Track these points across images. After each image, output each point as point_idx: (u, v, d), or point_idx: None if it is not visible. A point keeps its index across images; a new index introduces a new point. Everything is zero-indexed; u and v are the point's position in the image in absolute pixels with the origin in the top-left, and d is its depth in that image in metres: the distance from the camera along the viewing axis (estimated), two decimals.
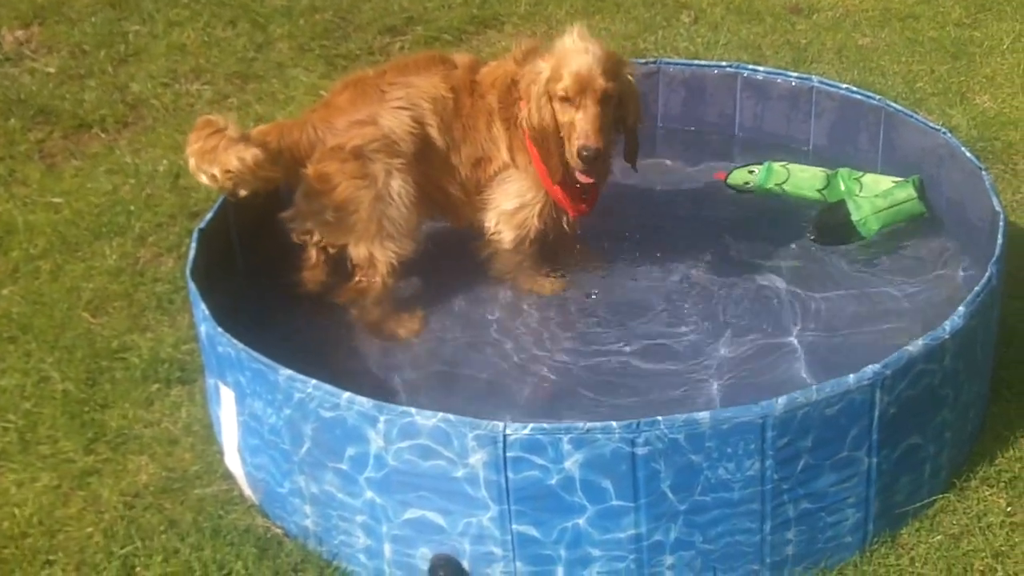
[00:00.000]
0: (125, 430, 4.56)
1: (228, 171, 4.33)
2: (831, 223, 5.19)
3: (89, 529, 4.16)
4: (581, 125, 4.49)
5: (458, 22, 7.58)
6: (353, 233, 4.61)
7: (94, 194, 5.99)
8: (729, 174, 5.56)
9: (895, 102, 5.47)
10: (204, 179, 4.38)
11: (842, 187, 5.32)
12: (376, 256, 4.62)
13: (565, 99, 4.52)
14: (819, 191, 5.36)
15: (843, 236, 5.16)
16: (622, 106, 4.64)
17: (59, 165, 6.33)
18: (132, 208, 5.84)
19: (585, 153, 4.48)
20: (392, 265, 4.64)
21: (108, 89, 6.95)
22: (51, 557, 4.07)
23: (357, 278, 4.69)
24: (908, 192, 5.10)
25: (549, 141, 4.59)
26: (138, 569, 4.01)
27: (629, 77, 4.64)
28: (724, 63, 5.80)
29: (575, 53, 4.52)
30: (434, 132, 4.67)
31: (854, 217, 5.10)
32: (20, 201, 5.97)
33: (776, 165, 5.46)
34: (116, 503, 4.25)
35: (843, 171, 5.38)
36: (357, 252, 4.64)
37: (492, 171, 4.78)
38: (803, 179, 5.41)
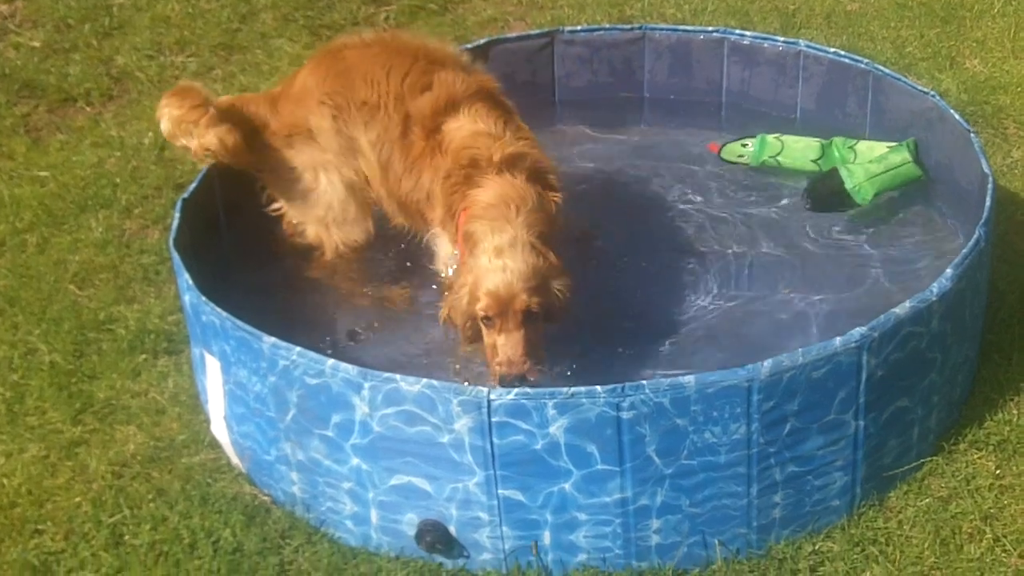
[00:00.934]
0: (112, 401, 4.55)
1: (207, 149, 4.50)
2: (824, 191, 5.17)
3: (77, 499, 4.15)
4: (504, 351, 4.05)
5: None
6: (300, 215, 4.75)
7: (80, 167, 5.97)
8: (722, 148, 5.53)
9: (884, 67, 5.44)
10: (176, 143, 4.53)
11: (836, 156, 5.30)
12: (323, 238, 4.71)
13: (486, 319, 4.07)
14: (814, 161, 5.34)
15: (837, 204, 5.14)
16: (551, 317, 4.17)
17: (44, 139, 6.30)
18: (118, 181, 5.82)
19: (507, 380, 3.99)
20: (339, 248, 4.72)
21: (93, 62, 6.91)
22: (39, 527, 4.07)
23: (316, 253, 4.80)
24: (903, 156, 5.07)
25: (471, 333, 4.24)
26: (127, 537, 4.01)
27: (558, 291, 4.14)
28: (711, 28, 5.77)
29: (491, 272, 4.04)
30: (363, 143, 4.60)
31: (848, 185, 5.07)
32: (6, 175, 5.95)
33: (770, 137, 5.43)
34: (104, 473, 4.24)
35: (837, 139, 5.35)
36: (307, 233, 4.76)
37: (431, 218, 4.52)
38: (797, 150, 5.39)
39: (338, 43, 4.79)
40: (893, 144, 5.18)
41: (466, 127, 4.39)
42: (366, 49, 4.66)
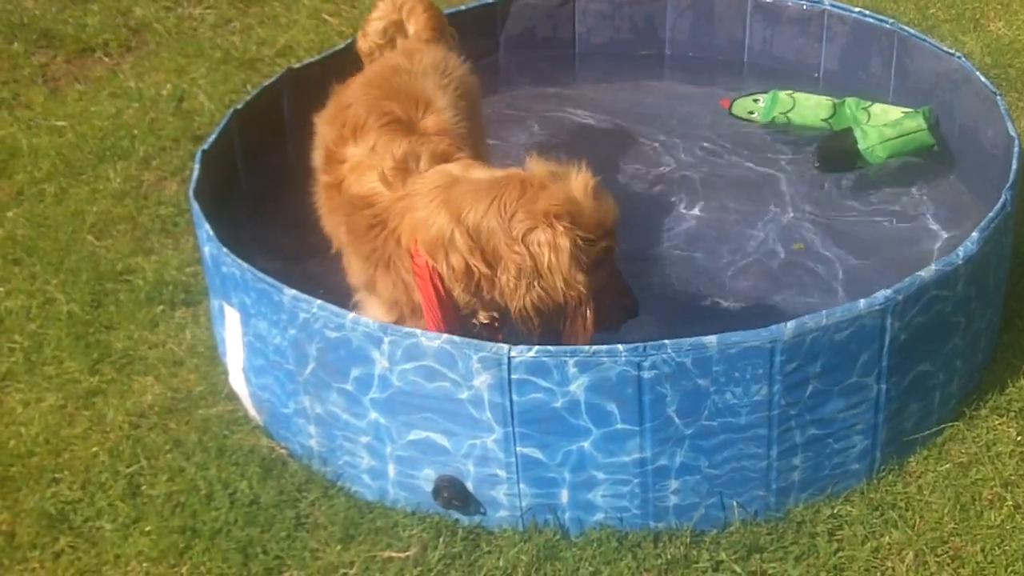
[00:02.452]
0: (130, 351, 4.55)
1: None
2: (837, 150, 5.14)
3: (95, 448, 4.15)
4: (621, 282, 3.79)
5: None
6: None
7: (98, 118, 5.95)
8: (733, 103, 5.49)
9: (908, 27, 5.38)
10: None
11: (849, 116, 5.26)
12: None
13: (604, 260, 3.69)
14: (825, 120, 5.31)
15: (848, 164, 5.11)
16: None
17: (62, 89, 6.29)
18: (136, 132, 5.81)
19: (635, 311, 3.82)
20: None
21: (111, 13, 6.89)
22: (57, 475, 4.07)
23: None
24: (918, 122, 5.03)
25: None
26: (144, 488, 4.01)
27: None
28: None
29: (587, 206, 3.61)
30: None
31: (861, 146, 5.04)
32: (24, 125, 5.94)
33: (782, 94, 5.40)
34: (121, 423, 4.24)
35: (850, 100, 5.32)
36: None
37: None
38: (808, 108, 5.36)
39: (394, 61, 4.39)
40: (909, 110, 5.14)
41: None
42: (385, 79, 4.25)
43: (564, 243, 3.53)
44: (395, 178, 3.77)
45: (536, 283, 3.59)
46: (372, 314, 3.91)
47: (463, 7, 5.70)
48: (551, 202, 3.54)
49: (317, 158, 4.14)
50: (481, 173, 3.70)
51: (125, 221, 5.22)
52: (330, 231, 4.10)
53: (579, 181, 3.60)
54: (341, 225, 3.94)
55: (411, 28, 4.55)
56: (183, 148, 5.66)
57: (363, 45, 4.67)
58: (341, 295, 4.23)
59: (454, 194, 3.62)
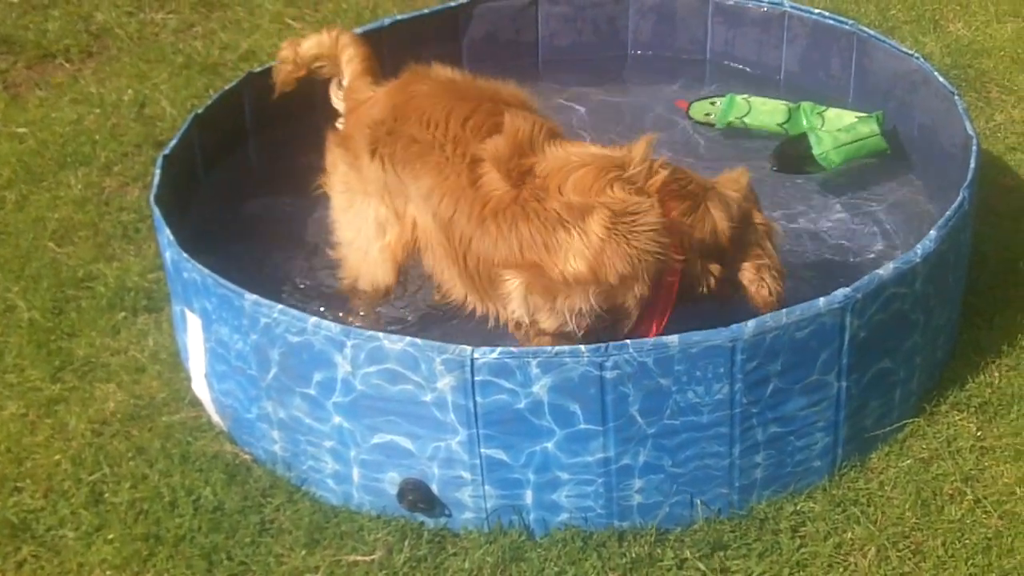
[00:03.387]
0: (92, 358, 4.53)
1: None
2: (791, 155, 5.19)
3: (57, 456, 4.13)
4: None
5: None
6: (339, 233, 4.48)
7: (59, 124, 5.92)
8: (691, 105, 5.52)
9: (868, 28, 5.42)
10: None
11: (804, 121, 5.30)
12: (344, 263, 4.43)
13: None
14: (780, 125, 5.34)
15: (802, 168, 5.16)
16: None
17: (23, 95, 6.25)
18: (97, 138, 5.77)
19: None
20: (355, 283, 4.40)
21: (72, 19, 6.85)
22: (19, 484, 4.05)
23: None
24: (872, 127, 5.09)
25: None
26: (107, 495, 3.99)
27: None
28: None
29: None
30: (411, 191, 4.12)
31: (815, 151, 5.08)
32: None
33: (739, 98, 5.43)
34: (84, 431, 4.22)
35: (805, 104, 5.35)
36: (336, 249, 4.48)
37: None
38: (764, 112, 5.39)
39: (422, 74, 4.31)
40: (862, 114, 5.19)
41: (573, 151, 3.95)
42: (437, 86, 4.22)
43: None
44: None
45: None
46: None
47: (426, 11, 5.70)
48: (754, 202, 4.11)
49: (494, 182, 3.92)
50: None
51: (86, 227, 5.19)
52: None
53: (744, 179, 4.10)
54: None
55: (347, 74, 4.50)
56: (145, 154, 5.63)
57: (287, 55, 4.58)
58: (304, 297, 4.25)
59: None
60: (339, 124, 4.43)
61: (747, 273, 4.04)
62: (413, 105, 4.12)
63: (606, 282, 3.77)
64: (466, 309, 4.13)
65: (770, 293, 4.03)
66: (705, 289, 3.99)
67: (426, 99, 4.13)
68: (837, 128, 5.14)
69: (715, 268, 3.97)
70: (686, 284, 3.93)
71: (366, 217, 4.24)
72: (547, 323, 3.90)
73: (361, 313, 4.42)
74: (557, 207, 3.78)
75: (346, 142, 4.30)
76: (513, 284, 3.86)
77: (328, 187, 4.38)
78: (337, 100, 4.51)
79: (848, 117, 5.21)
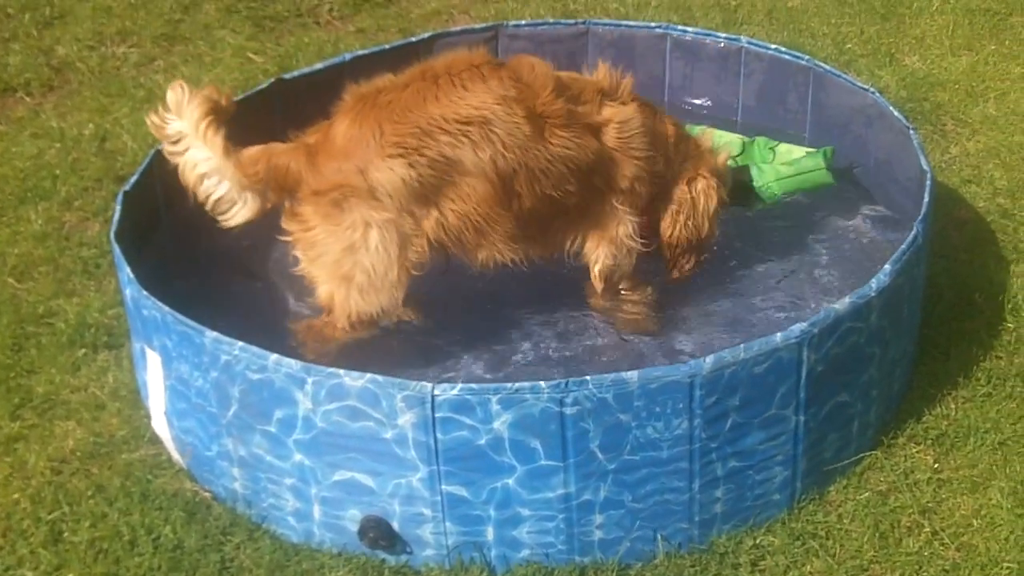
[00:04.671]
0: (52, 395, 4.51)
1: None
2: (736, 186, 5.20)
3: (16, 495, 4.11)
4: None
5: None
6: (321, 272, 4.25)
7: (19, 158, 5.90)
8: None
9: (824, 63, 5.49)
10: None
11: (756, 154, 5.34)
12: (337, 300, 4.22)
13: None
14: (734, 158, 5.38)
15: (743, 199, 5.17)
16: None
17: None
18: (57, 172, 5.76)
19: None
20: (356, 315, 4.22)
21: (33, 52, 6.83)
22: None
23: (322, 317, 4.32)
24: (816, 162, 5.12)
25: None
26: (66, 534, 3.97)
27: None
28: (653, 24, 5.79)
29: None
30: (468, 164, 4.17)
31: (756, 183, 5.10)
32: None
33: (696, 129, 5.47)
34: (43, 469, 4.20)
35: (760, 139, 5.38)
36: (319, 291, 4.28)
37: (613, 188, 4.43)
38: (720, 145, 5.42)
39: (370, 89, 4.29)
40: (812, 149, 5.23)
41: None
42: (407, 87, 4.24)
43: (717, 196, 4.65)
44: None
45: (690, 220, 4.58)
46: (622, 228, 4.47)
47: (386, 46, 5.72)
48: (711, 164, 4.67)
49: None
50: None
51: (46, 263, 5.17)
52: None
53: (723, 156, 4.78)
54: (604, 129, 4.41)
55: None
56: (106, 188, 5.62)
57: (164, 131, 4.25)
58: (266, 335, 4.23)
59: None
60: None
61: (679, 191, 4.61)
62: (415, 108, 4.16)
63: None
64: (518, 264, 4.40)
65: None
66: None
67: (420, 96, 4.19)
68: (781, 162, 5.18)
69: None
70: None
71: (386, 246, 4.17)
72: None
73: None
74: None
75: (341, 186, 4.14)
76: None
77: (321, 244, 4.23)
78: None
79: (798, 152, 5.25)
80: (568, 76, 4.48)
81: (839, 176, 5.10)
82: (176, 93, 4.11)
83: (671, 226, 4.61)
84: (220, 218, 4.21)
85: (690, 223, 4.60)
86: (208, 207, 4.19)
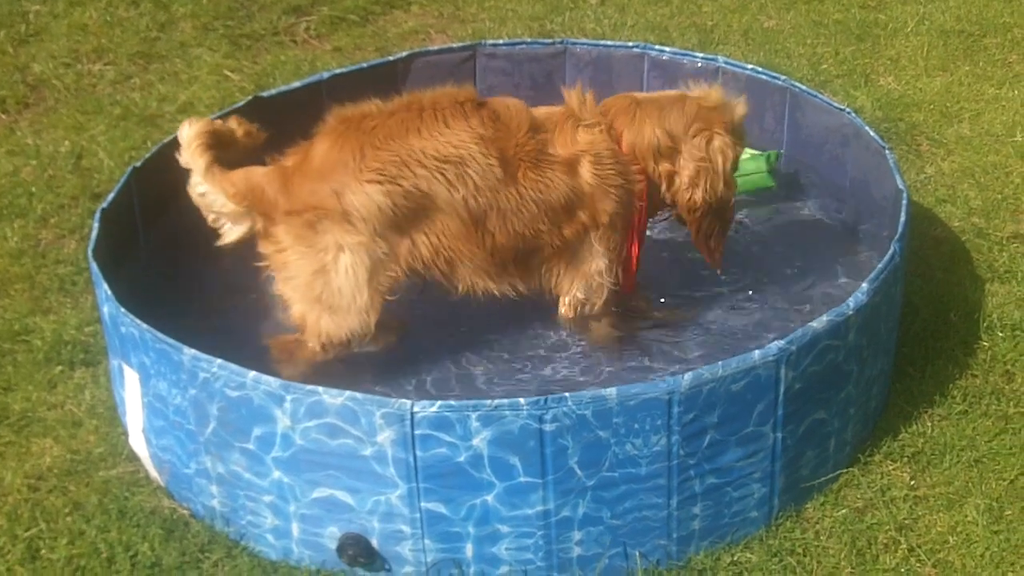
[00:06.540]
0: (28, 413, 4.49)
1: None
2: None
3: None
4: None
5: (364, 1, 7.52)
6: (293, 293, 4.28)
7: None
8: None
9: (800, 83, 5.52)
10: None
11: None
12: (308, 322, 4.26)
13: None
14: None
15: None
16: None
17: None
18: (33, 190, 5.74)
19: None
20: (327, 337, 4.26)
21: (8, 70, 6.81)
22: None
23: (296, 335, 4.36)
24: (758, 165, 5.18)
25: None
26: (43, 552, 3.95)
27: None
28: (631, 44, 5.82)
29: None
30: (441, 202, 4.22)
31: None
32: None
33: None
34: (20, 486, 4.18)
35: None
36: (292, 312, 4.31)
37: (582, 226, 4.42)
38: None
39: (355, 112, 4.32)
40: (757, 152, 5.26)
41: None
42: (392, 116, 4.29)
43: (732, 152, 4.55)
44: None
45: (708, 180, 4.48)
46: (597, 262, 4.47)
47: (364, 64, 5.74)
48: (724, 119, 4.54)
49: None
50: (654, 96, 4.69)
51: (22, 280, 5.15)
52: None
53: (740, 110, 4.63)
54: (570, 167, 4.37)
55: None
56: (82, 206, 5.61)
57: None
58: (244, 352, 4.22)
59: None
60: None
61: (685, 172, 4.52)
62: (399, 136, 4.21)
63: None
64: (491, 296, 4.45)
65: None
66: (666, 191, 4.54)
67: (405, 125, 4.24)
68: None
69: (664, 167, 4.50)
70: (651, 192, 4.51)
71: (356, 269, 4.21)
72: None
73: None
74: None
75: (315, 208, 4.17)
76: None
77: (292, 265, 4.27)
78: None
79: (743, 154, 5.27)
80: (542, 112, 4.47)
81: (790, 182, 5.11)
82: (184, 126, 4.27)
83: (689, 187, 4.50)
84: (219, 236, 4.35)
85: (707, 184, 4.50)
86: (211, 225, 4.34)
